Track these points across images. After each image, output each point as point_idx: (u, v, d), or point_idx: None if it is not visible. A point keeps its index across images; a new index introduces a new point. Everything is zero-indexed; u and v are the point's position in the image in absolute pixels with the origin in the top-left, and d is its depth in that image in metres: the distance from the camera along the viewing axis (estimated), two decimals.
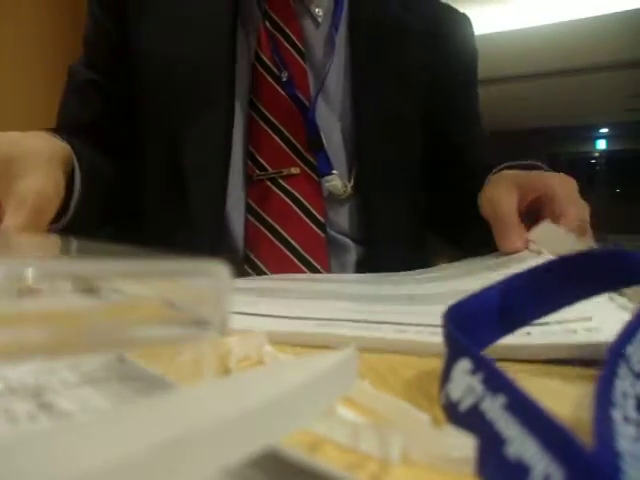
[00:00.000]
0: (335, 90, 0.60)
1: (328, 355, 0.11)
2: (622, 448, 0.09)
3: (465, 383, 0.13)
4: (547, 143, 6.43)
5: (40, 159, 0.38)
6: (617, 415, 0.11)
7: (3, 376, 0.15)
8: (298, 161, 0.56)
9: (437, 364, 0.16)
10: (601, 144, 6.89)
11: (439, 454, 0.11)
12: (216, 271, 0.13)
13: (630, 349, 0.14)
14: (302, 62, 0.58)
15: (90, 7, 0.62)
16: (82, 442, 0.07)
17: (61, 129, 0.52)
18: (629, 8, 3.47)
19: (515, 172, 0.47)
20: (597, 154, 6.93)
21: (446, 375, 0.14)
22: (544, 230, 0.23)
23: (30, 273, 0.10)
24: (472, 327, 0.18)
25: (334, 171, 0.56)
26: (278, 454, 0.10)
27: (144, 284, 0.12)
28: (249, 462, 0.10)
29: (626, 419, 0.11)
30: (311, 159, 0.56)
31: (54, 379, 0.15)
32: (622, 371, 0.13)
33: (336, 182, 0.55)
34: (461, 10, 0.69)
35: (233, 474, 0.10)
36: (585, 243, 0.22)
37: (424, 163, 0.63)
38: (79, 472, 0.06)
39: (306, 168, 0.56)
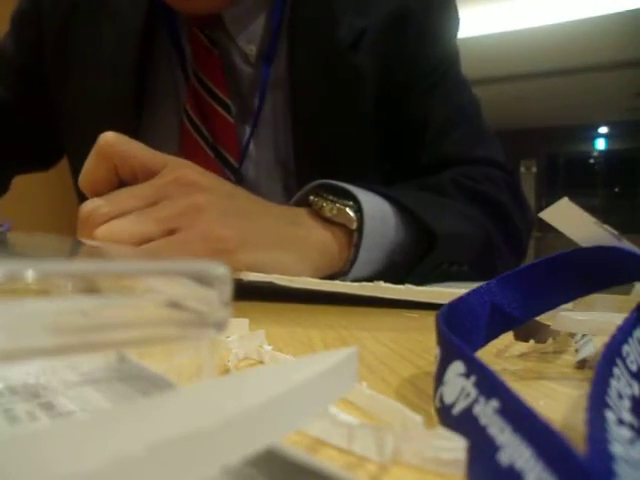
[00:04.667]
0: (270, 127, 0.57)
1: (328, 355, 0.11)
2: (616, 452, 0.09)
3: (459, 386, 0.13)
4: (546, 143, 6.44)
5: None
6: (611, 417, 0.11)
7: (3, 376, 0.15)
8: None
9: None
10: (600, 144, 6.88)
11: (430, 456, 0.11)
12: (216, 271, 0.13)
13: (626, 348, 0.14)
14: (228, 117, 0.56)
15: (14, 27, 0.66)
16: (82, 442, 0.07)
17: None
18: (629, 8, 3.47)
19: None
20: (596, 153, 6.93)
21: (440, 377, 0.14)
22: (561, 208, 0.20)
23: (30, 273, 0.10)
24: (465, 328, 0.18)
25: None
26: (278, 453, 0.10)
27: (144, 284, 0.12)
28: (249, 461, 0.10)
29: (620, 421, 0.11)
30: None
31: (54, 379, 0.15)
32: (618, 370, 0.13)
33: None
34: (461, 10, 0.63)
35: (233, 474, 0.10)
36: (605, 229, 0.19)
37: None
38: (79, 472, 0.06)
39: None
